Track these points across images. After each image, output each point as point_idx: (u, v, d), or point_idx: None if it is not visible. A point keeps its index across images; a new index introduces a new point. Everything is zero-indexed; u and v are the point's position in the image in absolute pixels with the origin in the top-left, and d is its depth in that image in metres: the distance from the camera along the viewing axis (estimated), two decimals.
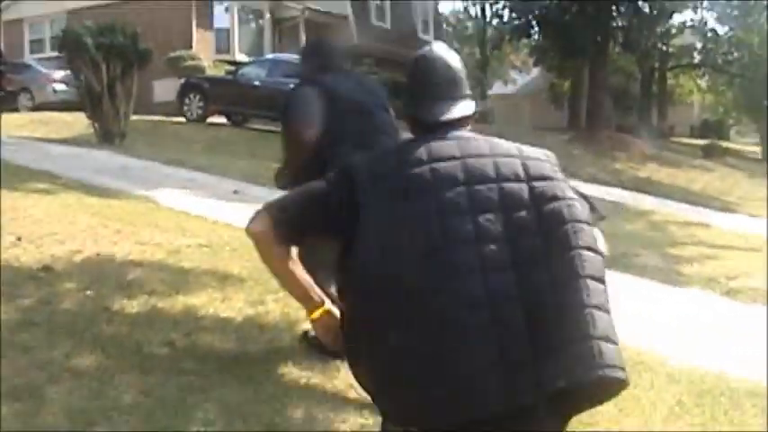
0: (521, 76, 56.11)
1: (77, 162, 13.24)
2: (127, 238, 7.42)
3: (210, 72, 26.49)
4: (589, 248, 2.38)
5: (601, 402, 2.49)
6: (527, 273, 2.33)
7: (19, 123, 20.97)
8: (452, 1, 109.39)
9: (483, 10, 49.61)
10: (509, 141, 2.61)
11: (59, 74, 23.46)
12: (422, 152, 2.48)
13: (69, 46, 16.56)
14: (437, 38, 42.34)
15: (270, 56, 25.34)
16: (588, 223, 2.44)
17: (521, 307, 2.30)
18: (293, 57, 23.71)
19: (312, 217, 2.53)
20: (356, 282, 2.43)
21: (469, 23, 57.65)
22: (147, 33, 27.72)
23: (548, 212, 2.40)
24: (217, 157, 16.45)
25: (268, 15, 32.05)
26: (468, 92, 2.69)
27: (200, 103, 22.74)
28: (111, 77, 16.45)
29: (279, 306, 6.07)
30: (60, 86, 24.16)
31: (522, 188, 2.43)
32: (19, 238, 6.89)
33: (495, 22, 43.41)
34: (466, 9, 55.38)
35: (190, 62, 27.00)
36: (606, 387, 2.34)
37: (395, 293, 2.35)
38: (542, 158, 2.55)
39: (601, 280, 2.36)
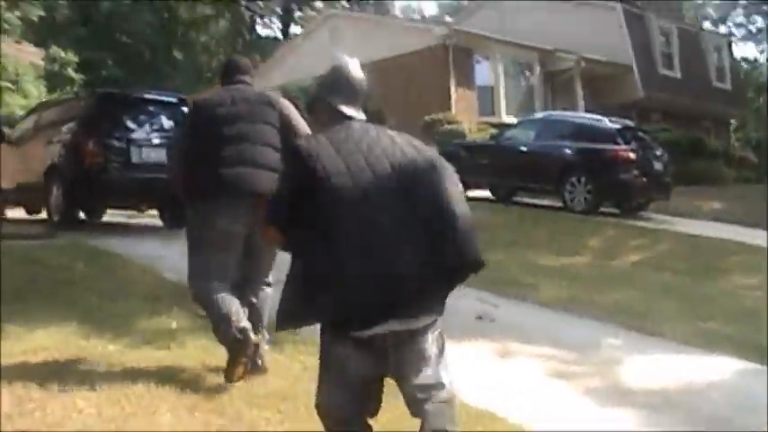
0: None
1: None
2: None
3: (473, 137, 22.81)
4: (454, 184, 3.60)
5: (465, 276, 3.66)
6: (416, 206, 3.48)
7: None
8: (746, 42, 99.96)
9: None
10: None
11: None
12: (342, 136, 3.61)
13: None
14: (734, 86, 36.86)
15: (540, 115, 21.26)
16: (450, 170, 3.66)
17: (411, 229, 3.44)
18: (567, 115, 19.77)
19: (292, 206, 3.55)
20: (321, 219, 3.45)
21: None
22: (406, 93, 25.29)
23: (424, 168, 3.58)
24: None
25: (538, 69, 28.12)
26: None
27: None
28: None
29: None
30: None
31: (406, 154, 3.60)
32: None
33: None
34: (762, 52, 49.01)
35: (449, 126, 23.53)
36: (475, 265, 3.59)
37: (343, 221, 3.40)
38: (415, 141, 3.72)
39: (463, 201, 3.58)
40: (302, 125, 5.62)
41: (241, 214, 5.33)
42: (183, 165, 5.53)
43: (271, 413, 4.85)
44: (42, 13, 34.45)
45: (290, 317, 3.50)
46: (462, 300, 8.93)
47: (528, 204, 18.29)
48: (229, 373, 5.25)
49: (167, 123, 12.20)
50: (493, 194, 19.44)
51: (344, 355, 3.46)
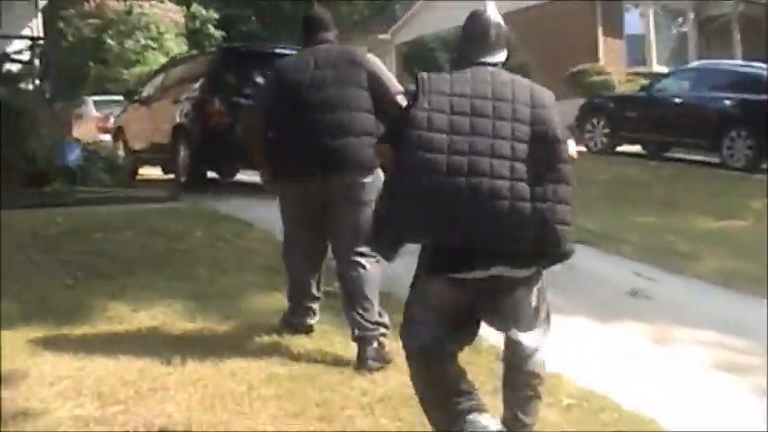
0: None
1: None
2: None
3: (621, 88, 21.53)
4: (563, 161, 3.47)
5: (552, 262, 3.56)
6: (520, 167, 3.37)
7: None
8: None
9: None
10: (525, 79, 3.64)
11: None
12: (468, 77, 3.54)
13: (413, 63, 12.53)
14: None
15: (695, 64, 19.82)
16: (565, 142, 3.53)
17: (510, 187, 3.34)
18: (725, 64, 18.34)
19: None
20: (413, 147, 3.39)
21: None
22: (550, 43, 24.08)
23: (540, 130, 3.45)
24: (614, 209, 11.58)
25: (692, 16, 26.40)
26: (505, 44, 3.77)
27: (605, 129, 17.82)
28: None
29: None
30: None
31: (527, 111, 3.47)
32: None
33: None
34: None
35: (596, 77, 22.30)
36: (558, 256, 3.49)
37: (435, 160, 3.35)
38: (545, 92, 3.62)
39: (567, 182, 3.45)
40: (393, 82, 5.21)
41: (323, 187, 5.03)
42: (263, 134, 5.24)
43: (388, 420, 4.14)
44: None
45: (384, 236, 3.54)
46: (615, 271, 8.09)
47: (681, 160, 17.04)
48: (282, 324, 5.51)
49: None
50: (643, 149, 18.27)
51: (440, 291, 3.50)
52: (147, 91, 14.06)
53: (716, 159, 16.14)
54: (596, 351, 5.77)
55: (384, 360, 4.93)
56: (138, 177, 14.33)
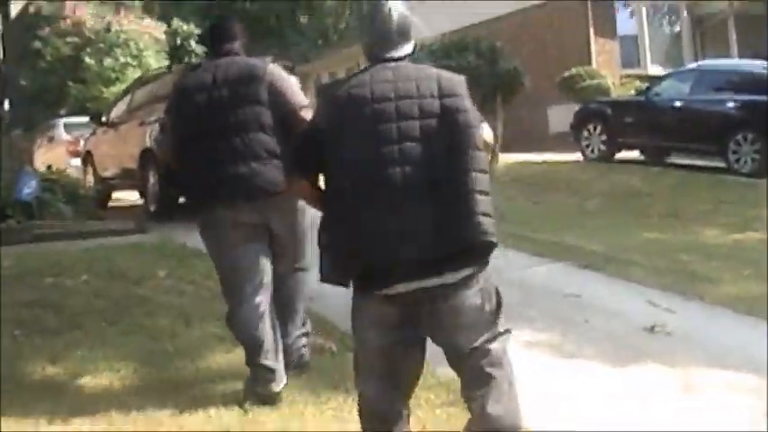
0: None
1: None
2: None
3: (616, 92, 20.78)
4: (478, 149, 3.26)
5: (481, 258, 3.29)
6: (434, 165, 3.19)
7: None
8: None
9: None
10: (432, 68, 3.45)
11: None
12: (366, 80, 3.33)
13: None
14: None
15: (693, 65, 19.05)
16: (478, 127, 3.30)
17: (427, 189, 3.18)
18: (725, 64, 17.65)
19: (309, 151, 3.41)
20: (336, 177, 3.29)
21: None
22: (541, 47, 23.37)
23: (452, 120, 3.25)
24: (616, 224, 10.80)
25: (685, 14, 25.68)
26: (411, 36, 3.50)
27: (603, 136, 17.06)
28: None
29: None
30: None
31: (435, 103, 3.26)
32: None
33: None
34: None
35: (589, 81, 21.50)
36: (485, 247, 3.24)
37: (351, 180, 3.22)
38: (454, 78, 3.39)
39: (484, 171, 3.26)
40: (297, 96, 4.87)
41: (249, 214, 4.71)
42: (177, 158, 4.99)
43: None
44: None
45: (325, 277, 3.33)
46: (626, 301, 7.26)
47: (684, 166, 16.26)
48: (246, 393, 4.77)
49: None
50: (643, 155, 17.53)
51: (375, 315, 3.27)
52: (116, 113, 13.24)
53: (721, 164, 15.40)
54: (612, 402, 4.98)
55: (304, 366, 5.15)
56: (111, 204, 13.54)
